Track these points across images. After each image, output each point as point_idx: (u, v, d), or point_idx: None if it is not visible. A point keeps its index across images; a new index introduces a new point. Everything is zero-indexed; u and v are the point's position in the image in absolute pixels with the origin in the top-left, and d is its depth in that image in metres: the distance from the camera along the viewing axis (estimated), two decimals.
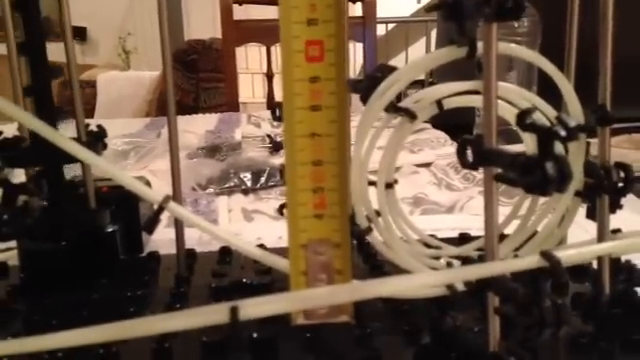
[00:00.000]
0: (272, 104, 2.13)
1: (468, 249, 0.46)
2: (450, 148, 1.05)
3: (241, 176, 0.86)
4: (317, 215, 0.37)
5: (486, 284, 0.32)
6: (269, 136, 1.15)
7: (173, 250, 0.57)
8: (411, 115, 0.39)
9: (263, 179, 0.87)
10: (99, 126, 0.51)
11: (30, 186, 0.45)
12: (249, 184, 0.86)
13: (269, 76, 2.08)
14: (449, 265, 0.43)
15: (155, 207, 0.36)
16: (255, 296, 0.46)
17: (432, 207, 0.76)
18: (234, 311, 0.28)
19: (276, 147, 1.13)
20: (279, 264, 0.40)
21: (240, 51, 2.10)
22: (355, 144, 0.41)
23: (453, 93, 0.40)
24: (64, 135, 0.40)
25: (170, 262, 0.55)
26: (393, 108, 0.38)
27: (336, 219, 0.37)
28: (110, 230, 0.51)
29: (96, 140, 0.50)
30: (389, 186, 0.43)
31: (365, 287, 0.29)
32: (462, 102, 0.42)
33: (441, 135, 1.15)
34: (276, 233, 0.67)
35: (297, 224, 0.37)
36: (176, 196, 0.50)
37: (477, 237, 0.54)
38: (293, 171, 0.37)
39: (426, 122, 1.33)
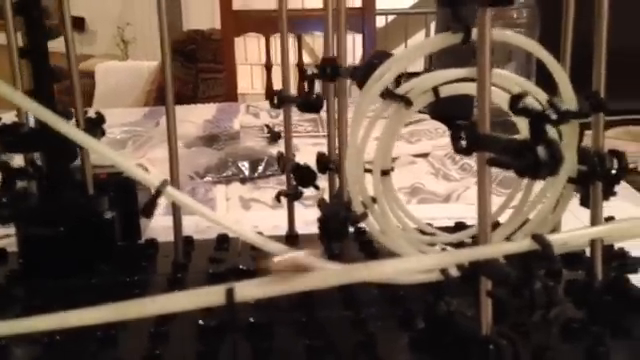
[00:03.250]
0: (271, 93, 2.14)
1: (462, 236, 0.46)
2: (447, 139, 1.05)
3: (239, 165, 0.87)
4: None
5: (479, 268, 0.33)
6: (267, 126, 1.15)
7: (171, 238, 0.57)
8: (407, 102, 0.40)
9: (261, 168, 0.87)
10: (97, 113, 0.52)
11: (29, 170, 0.45)
12: (247, 173, 0.86)
13: (268, 67, 2.08)
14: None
15: (153, 192, 0.36)
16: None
17: (429, 197, 0.76)
18: (230, 293, 0.28)
19: (274, 137, 1.13)
20: (278, 250, 0.40)
21: (239, 43, 2.10)
22: (351, 130, 0.41)
23: (448, 80, 0.40)
24: (63, 120, 0.40)
25: (168, 249, 0.55)
26: (389, 94, 0.38)
27: None
28: (108, 216, 0.52)
29: (94, 126, 0.50)
30: (385, 173, 0.43)
31: (358, 270, 0.30)
32: (457, 89, 0.42)
33: (439, 126, 1.15)
34: (273, 222, 0.68)
35: None
36: (174, 182, 0.51)
37: (472, 226, 0.55)
38: None
39: (423, 113, 1.33)
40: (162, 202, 0.76)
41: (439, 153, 0.96)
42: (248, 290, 0.29)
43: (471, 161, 0.90)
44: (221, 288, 0.29)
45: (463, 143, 0.34)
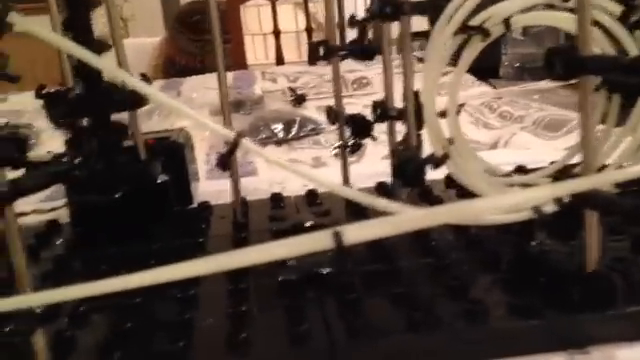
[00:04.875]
0: (282, 60, 2.10)
1: (538, 177, 0.44)
2: (479, 88, 1.03)
3: (272, 128, 0.85)
4: None
5: (585, 199, 0.31)
6: (291, 89, 1.13)
7: (220, 201, 0.56)
8: (485, 33, 0.37)
9: (294, 129, 0.85)
10: (143, 74, 0.50)
11: (93, 130, 0.44)
12: (281, 135, 0.84)
13: (276, 33, 2.04)
14: None
15: (229, 143, 0.34)
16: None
17: (474, 146, 0.74)
18: (337, 236, 0.27)
19: (299, 99, 1.11)
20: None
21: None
22: (425, 73, 0.39)
23: (524, 8, 0.38)
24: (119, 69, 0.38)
25: (223, 211, 0.53)
26: (467, 28, 0.36)
27: None
28: (162, 180, 0.50)
29: None
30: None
31: (464, 207, 0.28)
32: (532, 20, 0.40)
33: (467, 77, 1.12)
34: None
35: None
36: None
37: (537, 168, 0.53)
38: None
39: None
40: (202, 167, 0.74)
41: (475, 103, 0.93)
42: (356, 233, 0.27)
43: (510, 108, 0.88)
44: (327, 232, 0.27)
45: (559, 69, 0.32)
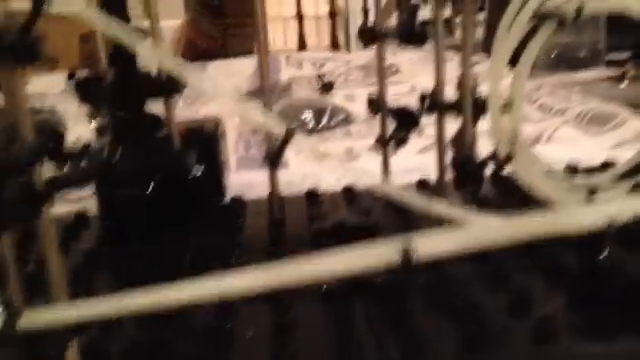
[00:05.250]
0: (304, 46, 2.07)
1: (607, 178, 0.41)
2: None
3: (302, 117, 0.82)
4: None
5: None
6: (319, 76, 1.09)
7: (251, 195, 0.53)
8: (561, 21, 0.34)
9: (325, 119, 0.82)
10: None
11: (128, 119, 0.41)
12: (311, 125, 0.81)
13: (299, 17, 2.00)
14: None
15: (281, 138, 0.32)
16: (363, 238, 0.43)
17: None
18: (406, 252, 0.24)
19: (326, 87, 1.07)
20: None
21: None
22: (492, 63, 0.36)
23: None
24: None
25: (258, 207, 0.51)
26: (542, 15, 0.33)
27: None
28: (198, 173, 0.47)
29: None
30: None
31: (550, 219, 0.25)
32: (607, 7, 0.36)
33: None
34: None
35: None
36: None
37: (595, 168, 0.50)
38: None
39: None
40: (231, 157, 0.71)
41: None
42: (427, 247, 0.24)
43: (550, 100, 0.84)
44: (393, 246, 0.24)
45: None
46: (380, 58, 0.51)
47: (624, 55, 1.02)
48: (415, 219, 0.43)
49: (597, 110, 0.76)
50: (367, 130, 0.80)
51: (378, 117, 0.51)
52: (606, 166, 0.52)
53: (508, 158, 0.34)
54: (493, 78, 0.35)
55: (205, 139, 0.52)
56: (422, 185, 0.53)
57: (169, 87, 0.44)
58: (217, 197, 0.53)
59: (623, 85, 0.94)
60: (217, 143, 0.53)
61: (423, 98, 0.47)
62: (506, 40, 0.34)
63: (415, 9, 0.45)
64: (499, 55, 0.35)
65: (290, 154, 0.74)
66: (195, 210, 0.48)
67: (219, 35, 2.37)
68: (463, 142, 0.40)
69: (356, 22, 2.78)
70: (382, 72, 0.52)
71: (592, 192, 0.38)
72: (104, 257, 0.43)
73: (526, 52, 0.35)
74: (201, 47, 2.33)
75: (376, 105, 0.52)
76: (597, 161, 0.59)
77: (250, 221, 0.49)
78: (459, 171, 0.36)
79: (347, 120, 0.83)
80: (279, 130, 0.31)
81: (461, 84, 0.42)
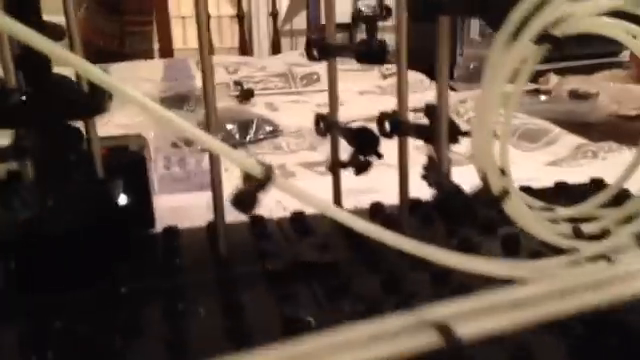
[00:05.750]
0: (245, 48, 1.98)
1: (591, 207, 0.39)
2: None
3: (228, 128, 0.75)
4: None
5: None
6: (238, 83, 1.03)
7: (181, 222, 0.47)
8: (557, 45, 0.31)
9: (252, 131, 0.76)
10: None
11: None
12: (237, 137, 0.75)
13: (240, 17, 1.93)
14: (579, 232, 0.35)
15: (258, 178, 0.26)
16: (326, 279, 0.38)
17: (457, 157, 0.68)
18: (447, 333, 0.19)
19: (246, 94, 1.01)
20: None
21: None
22: (484, 87, 0.32)
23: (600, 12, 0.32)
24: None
25: (195, 238, 0.44)
26: (548, 38, 0.29)
27: None
28: (125, 204, 0.40)
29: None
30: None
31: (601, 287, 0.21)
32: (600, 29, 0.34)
33: (422, 78, 1.07)
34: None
35: None
36: (214, 164, 0.40)
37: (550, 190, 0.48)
38: None
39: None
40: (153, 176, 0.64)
41: None
42: (471, 330, 0.20)
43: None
44: (430, 330, 0.20)
45: None
46: (332, 75, 0.47)
47: (543, 67, 1.04)
48: (381, 254, 0.38)
49: (528, 125, 0.76)
50: (297, 143, 0.75)
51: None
52: (565, 189, 0.51)
53: (502, 196, 0.31)
54: (486, 102, 0.31)
55: (131, 162, 0.45)
56: (376, 210, 0.49)
57: (93, 104, 0.37)
58: (146, 227, 0.46)
59: (544, 98, 0.96)
60: (144, 166, 0.46)
61: (382, 119, 0.43)
62: (502, 64, 0.30)
63: (373, 23, 0.40)
64: (492, 80, 0.31)
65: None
66: (124, 248, 0.40)
67: (116, 33, 2.22)
68: (439, 172, 0.36)
69: (259, 25, 2.73)
70: (334, 89, 0.47)
71: (576, 225, 0.35)
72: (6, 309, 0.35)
73: (518, 78, 0.32)
74: (97, 46, 2.16)
75: (325, 125, 0.47)
76: (536, 180, 0.58)
77: (190, 258, 0.42)
78: (446, 208, 0.32)
79: (275, 132, 0.78)
80: (255, 171, 0.25)
81: (429, 108, 0.38)
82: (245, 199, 0.25)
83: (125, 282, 0.37)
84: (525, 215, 0.32)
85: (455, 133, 0.37)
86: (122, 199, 0.40)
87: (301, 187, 0.27)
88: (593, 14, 0.31)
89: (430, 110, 0.38)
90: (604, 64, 1.29)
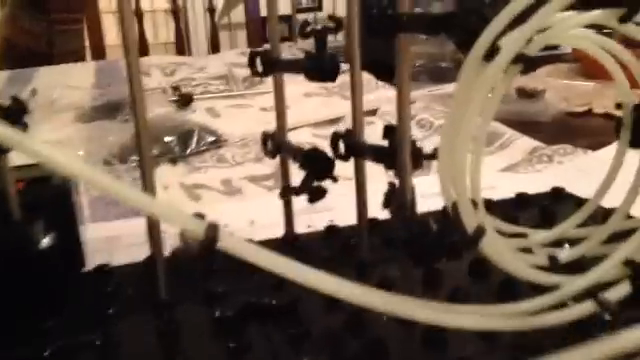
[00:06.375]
0: (182, 44, 1.90)
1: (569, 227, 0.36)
2: (385, 92, 0.95)
3: (165, 141, 0.70)
4: None
5: None
6: (175, 87, 0.97)
7: (109, 257, 0.42)
8: (530, 65, 0.28)
9: (193, 143, 0.71)
10: (15, 98, 0.34)
11: None
12: (177, 150, 0.70)
13: (175, 12, 1.85)
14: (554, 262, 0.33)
15: (200, 239, 0.21)
16: (277, 324, 0.34)
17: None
18: None
19: (184, 100, 0.96)
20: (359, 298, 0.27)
21: None
22: (454, 110, 0.29)
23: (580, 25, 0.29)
24: None
25: (133, 278, 0.39)
26: (525, 59, 0.26)
27: None
28: (47, 246, 0.35)
29: (17, 119, 0.33)
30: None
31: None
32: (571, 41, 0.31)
33: (369, 78, 1.04)
34: (246, 215, 0.54)
35: None
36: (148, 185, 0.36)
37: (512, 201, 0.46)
38: None
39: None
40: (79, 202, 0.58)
41: (386, 108, 0.85)
42: None
43: (428, 115, 0.81)
44: None
45: None
46: (279, 92, 0.43)
47: None
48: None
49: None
50: (242, 154, 0.71)
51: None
52: (527, 200, 0.48)
53: (478, 234, 0.27)
54: (461, 130, 0.28)
55: (53, 196, 0.40)
56: (331, 231, 0.46)
57: None
58: (74, 270, 0.40)
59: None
60: (69, 199, 0.41)
61: (336, 139, 0.40)
62: (474, 89, 0.27)
63: (323, 36, 0.36)
64: (463, 107, 0.28)
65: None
66: (47, 298, 0.35)
67: (43, 32, 2.10)
68: (403, 202, 0.33)
69: (196, 20, 2.64)
70: (281, 106, 0.43)
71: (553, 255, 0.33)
72: None
73: (491, 99, 0.29)
74: (22, 47, 2.04)
75: (274, 145, 0.43)
76: (493, 188, 0.56)
77: (128, 304, 0.37)
78: (415, 250, 0.29)
79: (218, 142, 0.73)
80: (199, 232, 0.21)
81: (388, 130, 0.35)
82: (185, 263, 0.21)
83: (50, 341, 0.32)
84: (502, 253, 0.29)
85: (418, 157, 0.34)
86: (44, 242, 0.35)
87: (252, 246, 0.23)
88: (570, 28, 0.28)
89: (389, 132, 0.34)
90: (544, 57, 1.29)
